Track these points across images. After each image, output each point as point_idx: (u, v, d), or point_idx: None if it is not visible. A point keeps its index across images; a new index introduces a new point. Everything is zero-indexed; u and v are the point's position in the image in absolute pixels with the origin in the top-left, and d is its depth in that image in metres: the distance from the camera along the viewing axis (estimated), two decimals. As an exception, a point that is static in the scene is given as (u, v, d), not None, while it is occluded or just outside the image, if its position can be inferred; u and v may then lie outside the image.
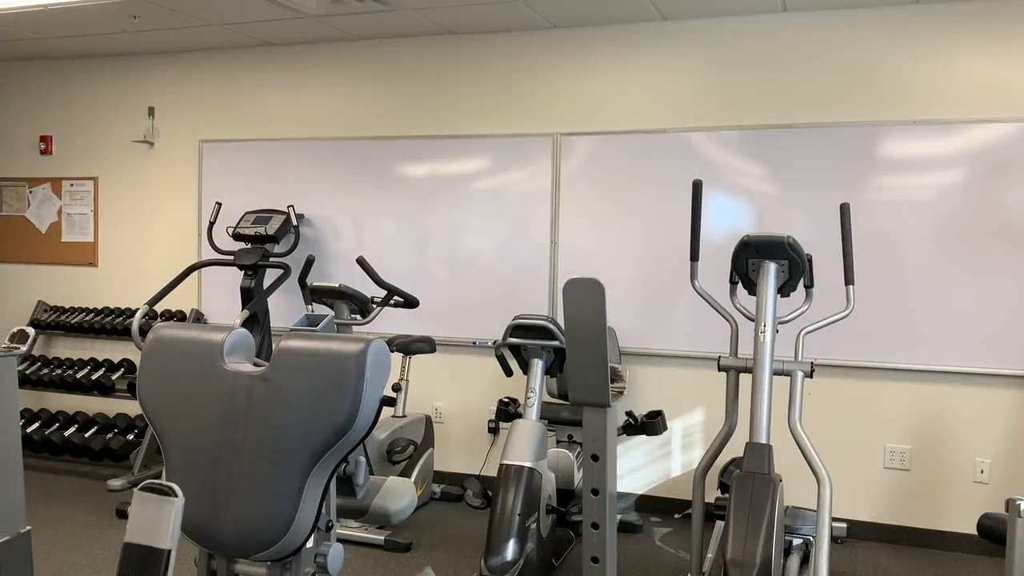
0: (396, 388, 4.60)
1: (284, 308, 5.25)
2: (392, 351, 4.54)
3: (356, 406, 1.85)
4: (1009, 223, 4.03)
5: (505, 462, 3.45)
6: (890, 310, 4.17)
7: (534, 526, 3.42)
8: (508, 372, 3.86)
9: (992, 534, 3.05)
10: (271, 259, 4.87)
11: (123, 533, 1.66)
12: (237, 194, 5.38)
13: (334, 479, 2.01)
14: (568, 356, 2.66)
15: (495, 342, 4.60)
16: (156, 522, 1.63)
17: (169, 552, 1.62)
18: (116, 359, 5.51)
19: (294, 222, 5.00)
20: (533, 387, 3.65)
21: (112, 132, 5.76)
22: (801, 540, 3.65)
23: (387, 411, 4.65)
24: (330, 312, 4.18)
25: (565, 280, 2.91)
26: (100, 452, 4.96)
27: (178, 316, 5.51)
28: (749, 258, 3.10)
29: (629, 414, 4.30)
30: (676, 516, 4.58)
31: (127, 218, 5.74)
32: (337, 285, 4.18)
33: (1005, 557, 2.80)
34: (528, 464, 3.43)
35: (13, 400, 2.44)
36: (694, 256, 3.33)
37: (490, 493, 4.64)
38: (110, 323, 5.49)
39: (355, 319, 4.30)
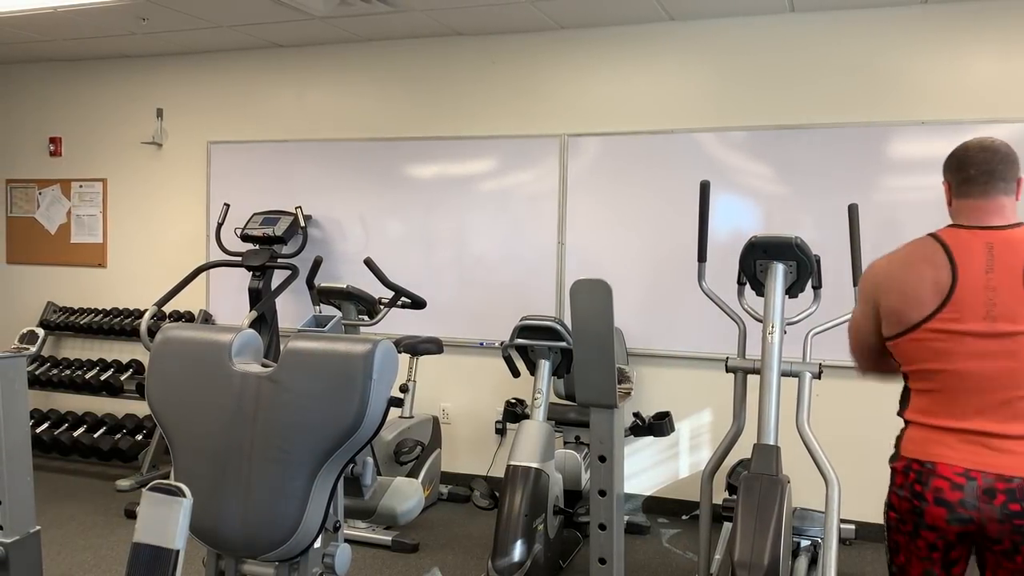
0: (403, 389, 4.60)
1: (292, 309, 5.26)
2: (399, 352, 4.54)
3: (363, 407, 1.85)
4: (1018, 224, 4.00)
5: (512, 463, 3.45)
6: (899, 311, 4.15)
7: (541, 527, 3.42)
8: (515, 373, 3.86)
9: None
10: (279, 260, 4.88)
11: (132, 533, 1.66)
12: (245, 195, 5.39)
13: (342, 480, 2.02)
14: (575, 357, 2.66)
15: (502, 343, 4.60)
16: (165, 522, 1.63)
17: (178, 552, 1.63)
18: (125, 360, 5.53)
19: (302, 223, 5.01)
20: (540, 388, 3.65)
21: (121, 133, 5.78)
22: (809, 542, 3.65)
23: (394, 412, 4.66)
24: (338, 313, 4.20)
25: (572, 281, 2.91)
26: (109, 452, 4.98)
27: (186, 317, 5.52)
28: (757, 259, 3.09)
29: (636, 415, 4.29)
30: (684, 517, 4.57)
31: (136, 219, 5.76)
32: (345, 286, 4.19)
33: (1015, 559, 2.78)
34: (535, 465, 3.43)
35: (23, 401, 2.44)
36: (702, 257, 3.32)
37: (497, 494, 4.64)
38: (119, 324, 5.51)
39: (363, 320, 4.30)
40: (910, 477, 2.00)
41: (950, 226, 2.06)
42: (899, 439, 2.09)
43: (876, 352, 2.15)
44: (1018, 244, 1.94)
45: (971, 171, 2.03)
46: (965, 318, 1.93)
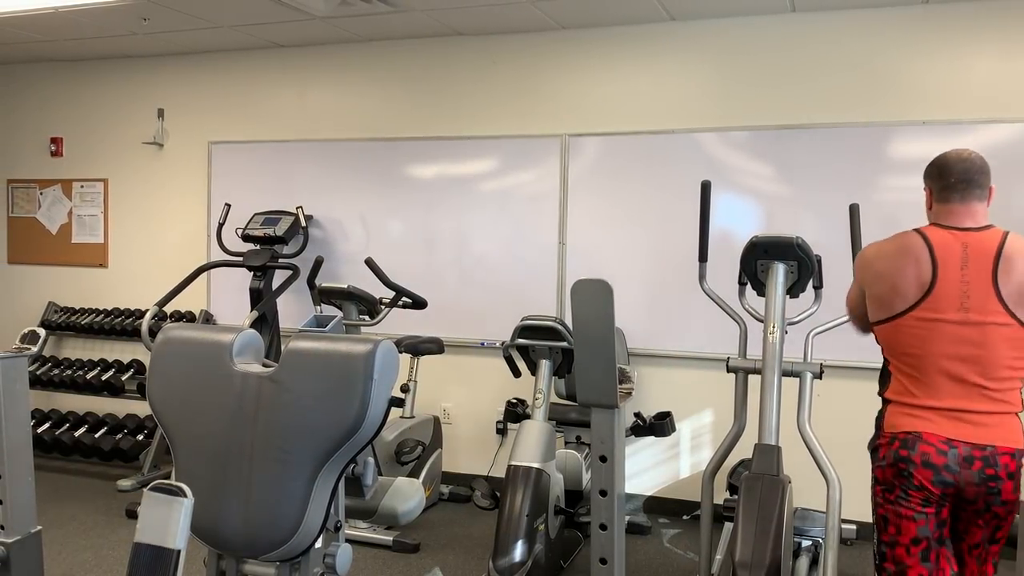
0: (404, 389, 4.60)
1: (293, 309, 5.26)
2: (400, 352, 4.54)
3: (364, 407, 1.85)
4: (1019, 224, 4.00)
5: (513, 463, 3.45)
6: (900, 311, 4.15)
7: (542, 527, 3.42)
8: (516, 373, 3.86)
9: (1003, 536, 3.02)
10: (280, 260, 4.88)
11: (133, 533, 1.66)
12: (246, 195, 5.39)
13: (343, 480, 2.02)
14: (576, 357, 2.66)
15: (503, 343, 4.60)
16: (166, 522, 1.63)
17: (179, 552, 1.63)
18: (126, 360, 5.53)
19: (303, 223, 5.02)
20: (541, 388, 3.65)
21: (122, 134, 5.79)
22: (810, 542, 3.64)
23: (395, 412, 4.65)
24: (339, 313, 4.20)
25: (573, 281, 2.91)
26: (110, 452, 4.98)
27: (187, 317, 5.53)
28: (758, 259, 3.09)
29: (637, 415, 4.29)
30: (684, 517, 4.57)
31: (137, 219, 5.76)
32: (346, 286, 4.19)
33: (1017, 559, 2.78)
34: (536, 465, 3.43)
35: (24, 401, 2.45)
36: (702, 257, 3.32)
37: (498, 494, 4.64)
38: (120, 324, 5.51)
39: (364, 320, 4.31)
40: (894, 446, 2.26)
41: (933, 224, 2.35)
42: (880, 419, 2.37)
43: (866, 319, 2.45)
44: (989, 245, 2.26)
45: (951, 179, 2.33)
46: (942, 309, 2.24)
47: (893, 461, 2.26)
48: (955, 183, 2.33)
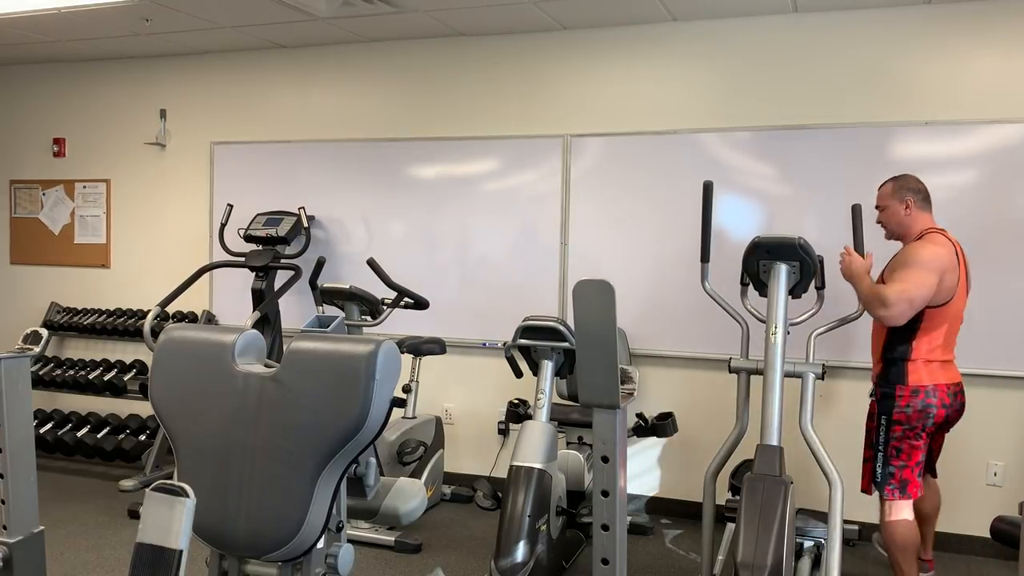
0: (406, 389, 4.60)
1: (295, 309, 5.27)
2: (402, 352, 4.54)
3: (366, 407, 1.85)
4: (1020, 223, 4.00)
5: (515, 463, 3.45)
6: (902, 312, 4.14)
7: (544, 528, 3.42)
8: (518, 373, 3.86)
9: (1005, 537, 3.02)
10: (282, 261, 4.89)
11: (135, 533, 1.66)
12: (248, 196, 5.40)
13: (345, 480, 2.02)
14: (578, 357, 2.66)
15: (505, 343, 4.60)
16: (168, 522, 1.64)
17: (181, 552, 1.63)
18: (128, 360, 5.54)
19: (305, 224, 5.02)
20: (543, 388, 3.64)
21: (124, 134, 5.79)
22: (812, 542, 3.64)
23: (397, 412, 4.66)
24: (341, 313, 4.20)
25: (575, 281, 2.91)
26: (112, 453, 4.98)
27: (190, 317, 5.53)
28: (760, 259, 3.10)
29: (640, 416, 4.29)
30: (687, 519, 4.56)
31: (139, 220, 5.77)
32: (348, 286, 4.19)
33: (1018, 560, 2.78)
34: (538, 465, 3.43)
35: (26, 401, 2.45)
36: (704, 257, 3.32)
37: (500, 494, 4.64)
38: (122, 324, 5.52)
39: (366, 320, 4.31)
40: (919, 396, 3.07)
41: (933, 228, 3.17)
42: (904, 372, 3.10)
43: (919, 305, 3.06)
44: (959, 244, 3.19)
45: (925, 193, 3.22)
46: (957, 295, 3.11)
47: (921, 408, 3.05)
48: (927, 196, 3.22)
